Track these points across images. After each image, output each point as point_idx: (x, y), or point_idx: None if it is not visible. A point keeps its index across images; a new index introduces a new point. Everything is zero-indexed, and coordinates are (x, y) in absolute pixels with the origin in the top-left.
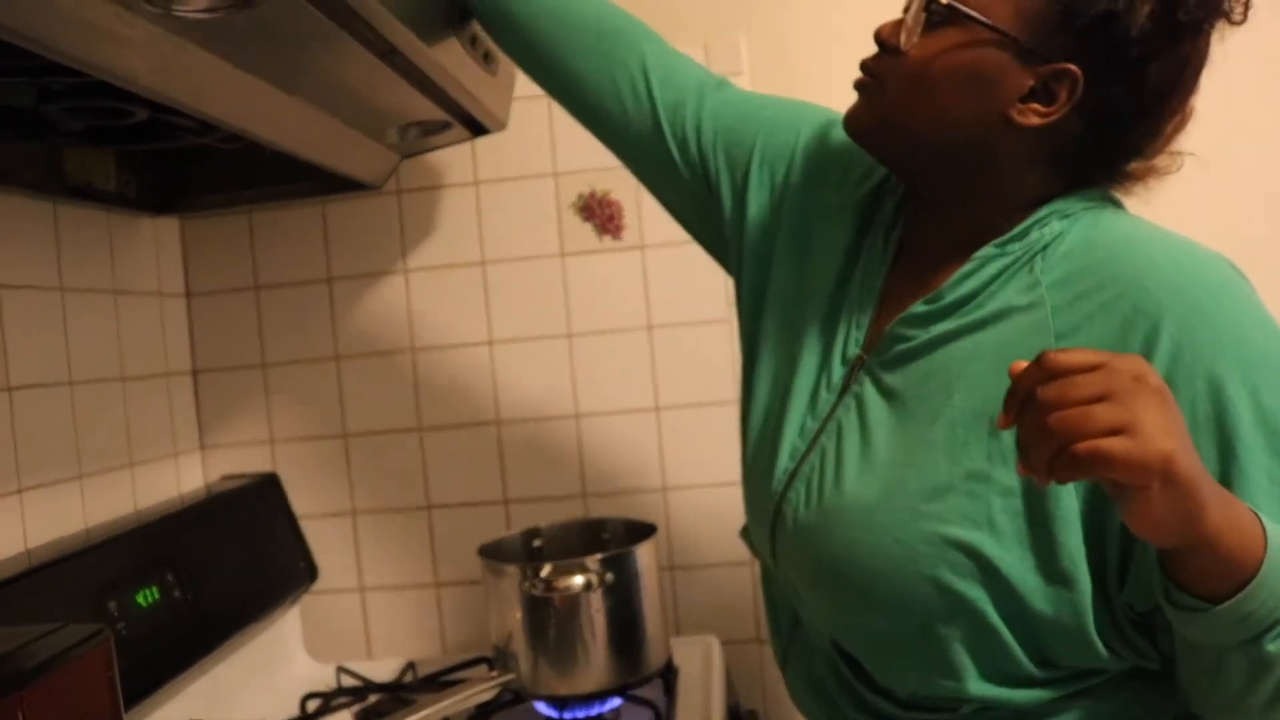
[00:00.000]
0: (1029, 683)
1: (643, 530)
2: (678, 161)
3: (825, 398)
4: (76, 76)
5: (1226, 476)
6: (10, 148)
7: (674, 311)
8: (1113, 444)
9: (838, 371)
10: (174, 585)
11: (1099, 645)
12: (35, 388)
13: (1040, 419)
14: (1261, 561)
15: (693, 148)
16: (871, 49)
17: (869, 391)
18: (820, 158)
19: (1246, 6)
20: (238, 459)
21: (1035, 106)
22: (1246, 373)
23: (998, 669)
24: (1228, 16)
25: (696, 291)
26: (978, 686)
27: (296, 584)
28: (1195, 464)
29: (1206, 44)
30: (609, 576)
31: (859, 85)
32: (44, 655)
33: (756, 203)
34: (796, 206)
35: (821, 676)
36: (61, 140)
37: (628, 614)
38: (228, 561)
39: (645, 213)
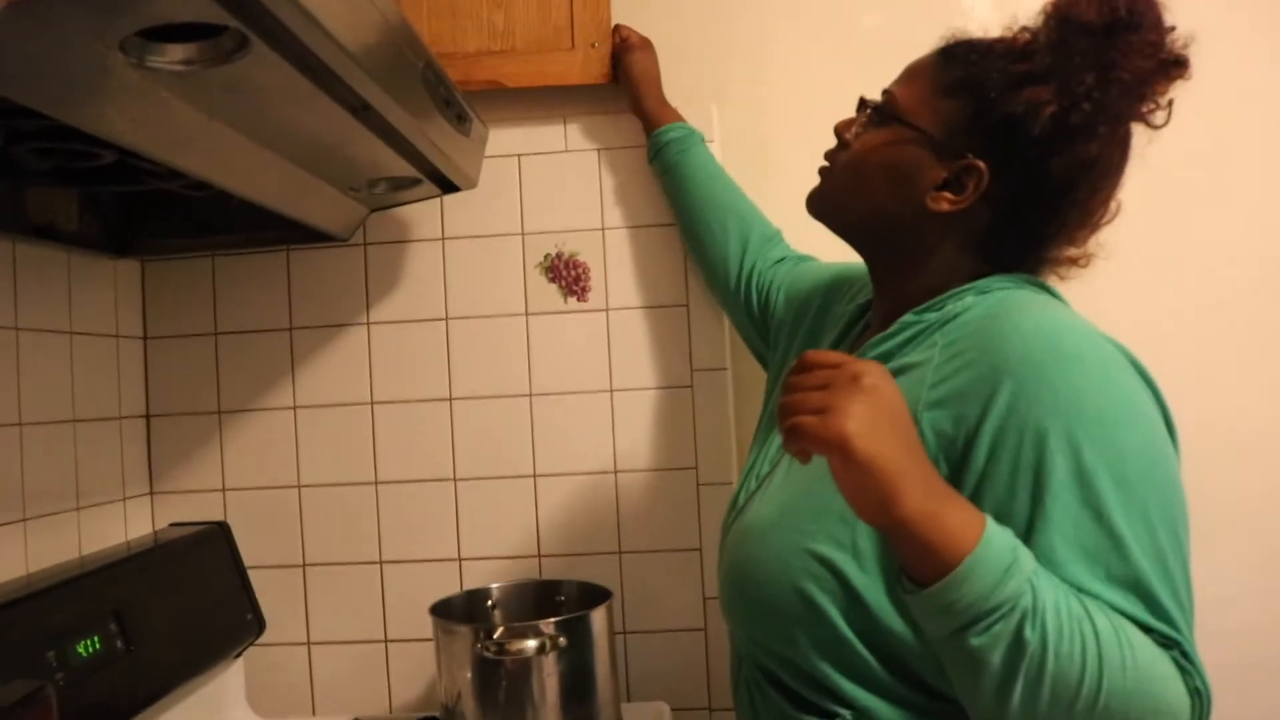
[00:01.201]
0: (898, 699)
1: (597, 594)
2: (754, 300)
3: (779, 448)
4: (47, 119)
5: (1033, 519)
6: None
7: (636, 376)
8: (806, 420)
9: None
10: (116, 635)
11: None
12: None
13: (780, 401)
14: (965, 558)
15: (765, 295)
16: (834, 123)
17: None
18: (833, 286)
19: (1169, 113)
20: (188, 507)
21: (947, 195)
22: (1072, 430)
23: (860, 676)
24: (1146, 122)
25: (659, 356)
26: (848, 689)
27: (243, 636)
28: (887, 452)
29: (1122, 146)
30: (562, 640)
31: (820, 171)
32: None
33: (787, 325)
34: (811, 323)
35: (749, 692)
36: (25, 179)
37: (580, 679)
38: (173, 612)
39: (611, 276)
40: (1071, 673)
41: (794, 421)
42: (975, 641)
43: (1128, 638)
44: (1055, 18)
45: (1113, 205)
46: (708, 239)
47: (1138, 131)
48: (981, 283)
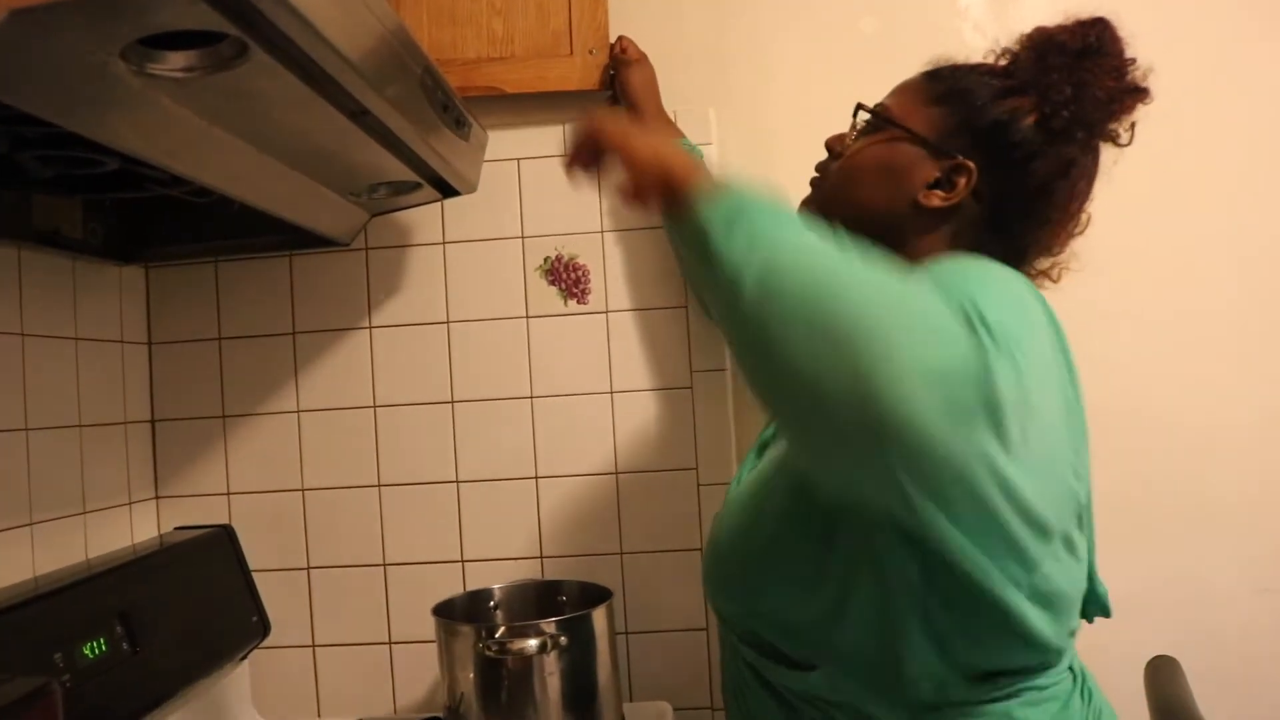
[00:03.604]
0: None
1: (598, 594)
2: None
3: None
4: (50, 127)
5: None
6: None
7: (636, 377)
8: (585, 141)
9: None
10: (122, 638)
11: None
12: None
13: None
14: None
15: None
16: (831, 128)
17: None
18: None
19: (1132, 132)
20: (194, 511)
21: (938, 193)
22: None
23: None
24: (1113, 140)
25: (659, 358)
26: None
27: (248, 639)
28: (655, 140)
29: (1094, 158)
30: (563, 639)
31: (811, 181)
32: None
33: None
34: None
35: (735, 668)
36: (30, 187)
37: (581, 678)
38: (179, 615)
39: (611, 278)
40: (819, 269)
41: (578, 142)
42: (722, 247)
43: (893, 276)
44: (1035, 38)
45: (1083, 216)
46: None
47: (1105, 150)
48: None
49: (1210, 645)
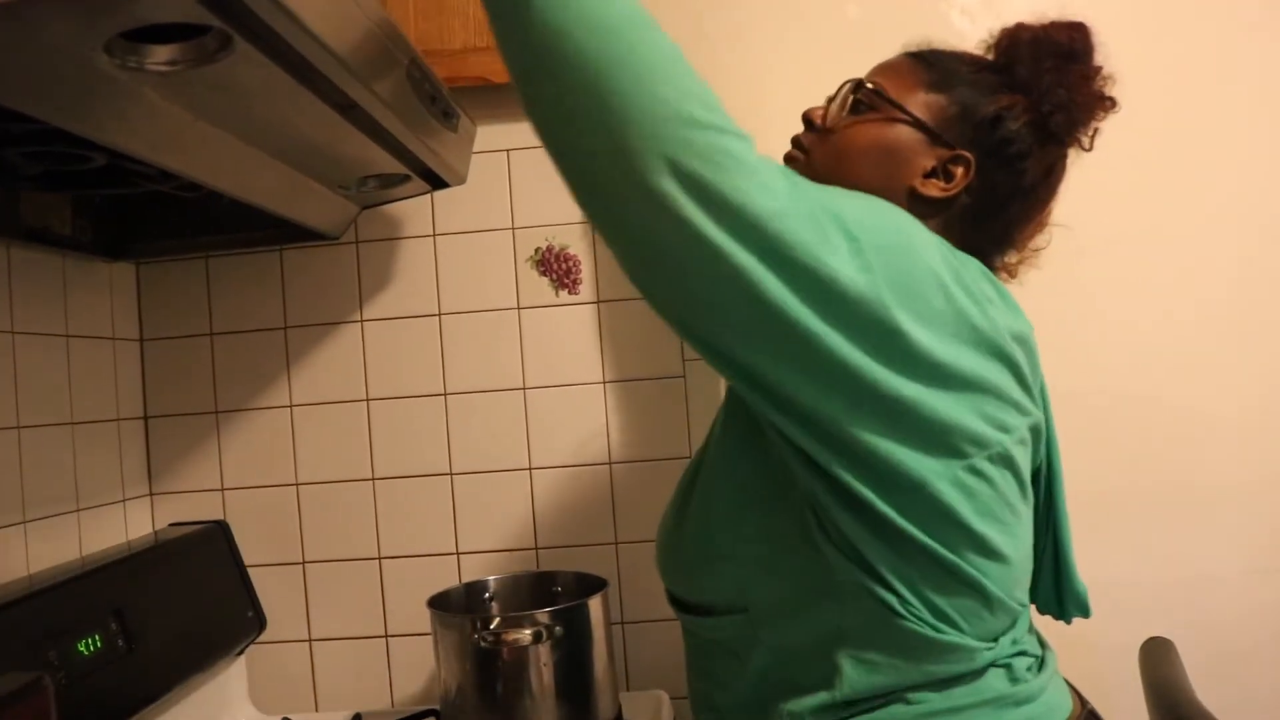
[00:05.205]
0: None
1: (594, 584)
2: None
3: None
4: (36, 123)
5: None
6: None
7: (629, 367)
8: None
9: None
10: (117, 634)
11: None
12: None
13: None
14: None
15: None
16: (797, 123)
17: None
18: None
19: (1093, 139)
20: (188, 506)
21: (936, 182)
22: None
23: None
24: (1080, 144)
25: (651, 347)
26: None
27: (244, 634)
28: None
29: (1063, 164)
30: (558, 630)
31: (788, 158)
32: None
33: None
34: None
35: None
36: (18, 183)
37: (577, 668)
38: (174, 610)
39: (601, 268)
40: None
41: None
42: None
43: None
44: (1027, 36)
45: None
46: None
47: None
48: None
49: (1204, 627)
